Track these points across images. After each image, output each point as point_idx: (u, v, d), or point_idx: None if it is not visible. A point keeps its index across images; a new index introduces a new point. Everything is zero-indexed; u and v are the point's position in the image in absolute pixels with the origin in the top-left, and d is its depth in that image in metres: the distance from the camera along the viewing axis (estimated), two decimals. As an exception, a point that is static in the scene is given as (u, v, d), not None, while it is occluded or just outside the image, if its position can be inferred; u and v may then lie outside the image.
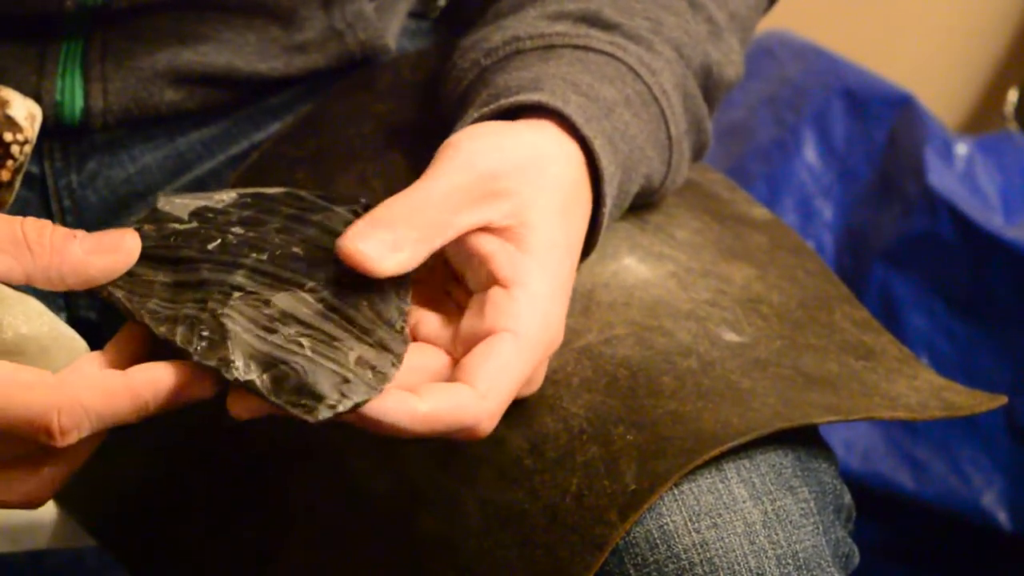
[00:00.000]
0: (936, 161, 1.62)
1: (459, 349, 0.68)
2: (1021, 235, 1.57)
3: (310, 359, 0.65)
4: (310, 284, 0.67)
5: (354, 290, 0.68)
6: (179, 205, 0.70)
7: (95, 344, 0.68)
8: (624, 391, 0.72)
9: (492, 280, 0.68)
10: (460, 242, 0.69)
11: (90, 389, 0.63)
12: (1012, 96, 1.94)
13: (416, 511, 0.73)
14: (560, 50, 0.78)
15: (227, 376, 0.63)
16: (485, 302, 0.68)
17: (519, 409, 0.72)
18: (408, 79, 0.90)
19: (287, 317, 0.66)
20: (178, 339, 0.64)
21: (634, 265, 0.78)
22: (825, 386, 0.75)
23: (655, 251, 0.80)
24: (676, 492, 0.70)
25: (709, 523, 0.70)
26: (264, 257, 0.68)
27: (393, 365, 0.66)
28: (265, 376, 0.63)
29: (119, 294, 0.66)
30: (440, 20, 0.97)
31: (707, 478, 0.71)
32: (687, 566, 0.69)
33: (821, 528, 0.72)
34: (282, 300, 0.66)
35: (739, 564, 0.70)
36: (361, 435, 0.75)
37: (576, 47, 0.78)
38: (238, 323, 0.65)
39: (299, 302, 0.67)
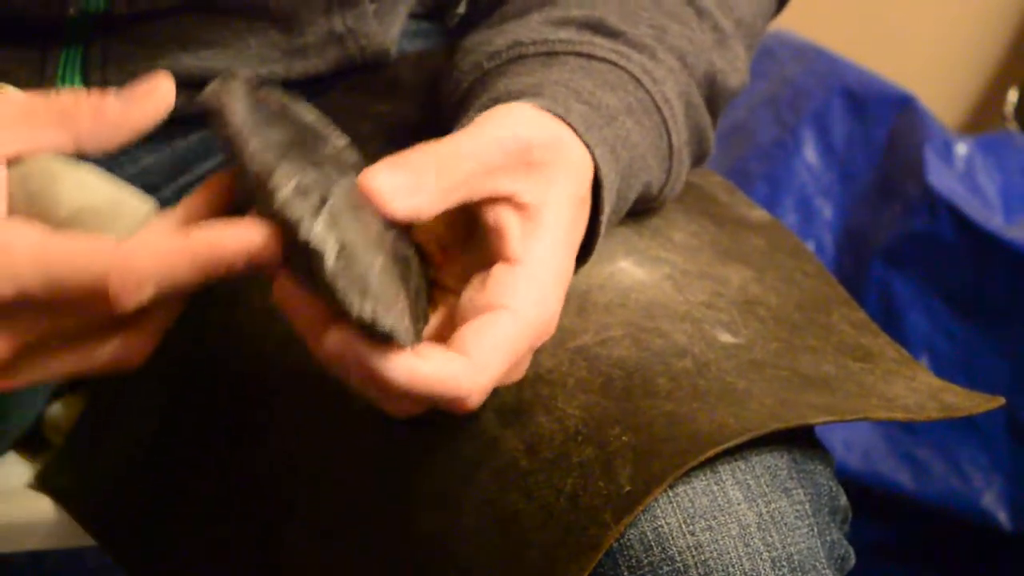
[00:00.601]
0: (936, 161, 1.62)
1: (455, 321, 0.68)
2: (1021, 235, 1.57)
3: (379, 271, 0.64)
4: (385, 224, 0.66)
5: (402, 248, 0.67)
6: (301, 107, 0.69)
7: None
8: (619, 392, 0.72)
9: (498, 256, 0.68)
10: (479, 210, 0.69)
11: (146, 252, 0.63)
12: (1012, 96, 1.94)
13: (412, 511, 0.73)
14: (563, 56, 0.78)
15: (300, 235, 0.62)
16: (488, 277, 0.68)
17: (515, 410, 0.72)
18: (407, 80, 0.90)
19: (374, 227, 0.65)
20: (275, 176, 0.63)
21: (630, 268, 0.78)
22: (821, 387, 0.75)
23: (651, 254, 0.80)
24: (671, 494, 0.70)
25: (704, 525, 0.70)
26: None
27: (419, 335, 0.66)
28: (336, 254, 0.62)
29: (234, 119, 0.64)
30: (456, 29, 0.97)
31: (702, 480, 0.71)
32: (681, 568, 0.69)
33: (816, 530, 0.72)
34: (376, 216, 0.66)
35: (734, 566, 0.70)
36: (360, 435, 0.75)
37: (579, 54, 0.78)
38: (339, 199, 0.64)
39: (385, 229, 0.66)
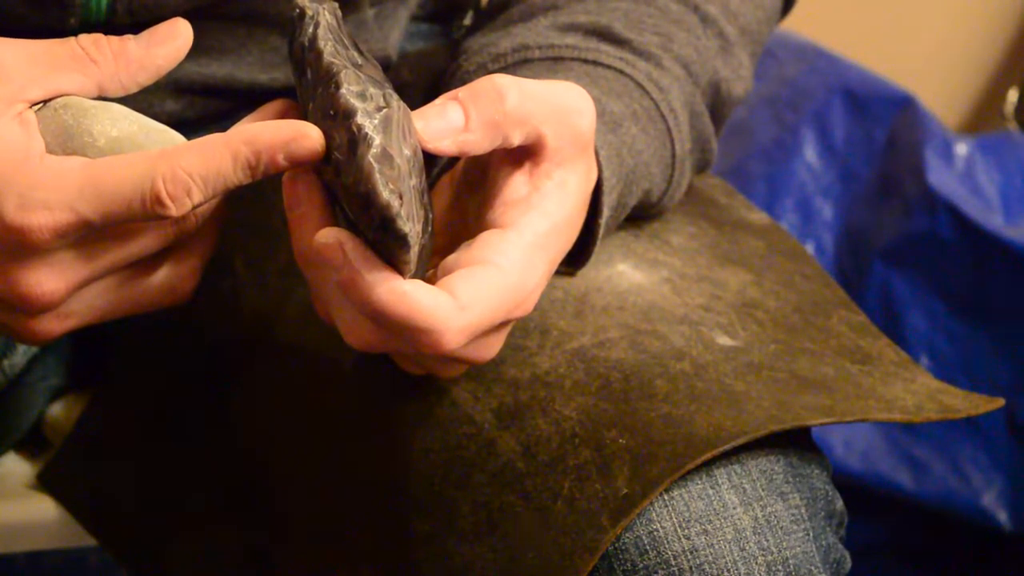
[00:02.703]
0: (936, 161, 1.62)
1: (439, 276, 0.67)
2: (1021, 235, 1.57)
3: (411, 189, 0.65)
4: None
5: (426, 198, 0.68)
6: None
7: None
8: (617, 394, 0.72)
9: (493, 222, 0.68)
10: (494, 175, 0.69)
11: (188, 151, 0.64)
12: (1012, 96, 1.94)
13: (408, 513, 0.73)
14: (569, 63, 0.78)
15: (353, 122, 0.63)
16: (475, 240, 0.67)
17: (512, 412, 0.72)
18: (407, 80, 0.90)
19: (416, 160, 0.66)
20: (344, 72, 0.64)
21: (628, 271, 0.78)
22: (820, 389, 0.75)
23: (649, 257, 0.80)
24: (667, 497, 0.70)
25: (699, 529, 0.70)
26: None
27: (422, 272, 0.67)
28: (381, 151, 0.63)
29: (322, 17, 0.67)
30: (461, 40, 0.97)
31: (698, 484, 0.71)
32: (676, 572, 0.69)
33: (812, 534, 0.72)
34: (415, 148, 0.67)
35: (729, 571, 0.70)
36: (357, 438, 0.75)
37: (585, 60, 0.78)
38: (393, 119, 0.65)
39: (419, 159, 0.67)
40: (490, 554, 0.70)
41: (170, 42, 0.69)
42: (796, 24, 1.74)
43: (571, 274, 0.77)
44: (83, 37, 0.68)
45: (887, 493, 1.59)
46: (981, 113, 2.00)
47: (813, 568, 0.71)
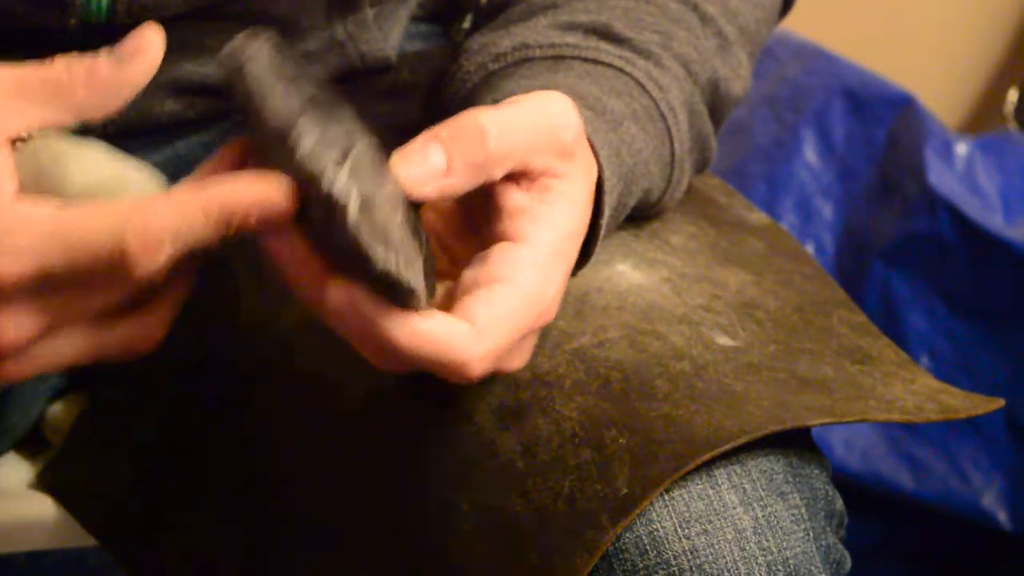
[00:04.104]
0: (936, 161, 1.62)
1: (456, 296, 0.67)
2: (1021, 235, 1.57)
3: (399, 226, 0.64)
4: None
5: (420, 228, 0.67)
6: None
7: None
8: (617, 394, 0.72)
9: (503, 236, 0.68)
10: (493, 188, 0.69)
11: (159, 206, 0.63)
12: (1012, 96, 1.94)
13: (408, 514, 0.73)
14: (569, 61, 0.78)
15: (323, 185, 0.61)
16: (490, 254, 0.67)
17: (512, 411, 0.72)
18: (408, 80, 0.90)
19: (396, 189, 0.65)
20: (297, 126, 0.62)
21: (628, 271, 0.78)
22: (819, 389, 0.75)
23: (649, 257, 0.80)
24: (667, 497, 0.70)
25: (699, 529, 0.70)
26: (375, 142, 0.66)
27: (431, 294, 0.66)
28: (359, 205, 0.62)
29: (259, 72, 0.64)
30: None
31: (698, 484, 0.71)
32: (676, 572, 0.69)
33: (812, 535, 0.72)
34: (390, 181, 0.65)
35: (729, 571, 0.70)
36: (357, 439, 0.75)
37: (585, 59, 0.78)
38: (360, 153, 0.63)
39: (398, 191, 0.65)
40: (490, 554, 0.70)
41: (140, 56, 0.66)
42: (796, 24, 1.74)
43: (571, 274, 0.77)
44: (55, 63, 0.66)
45: (887, 493, 1.59)
46: (981, 113, 2.00)
47: (813, 568, 0.71)
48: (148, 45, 0.66)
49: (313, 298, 0.65)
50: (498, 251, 0.67)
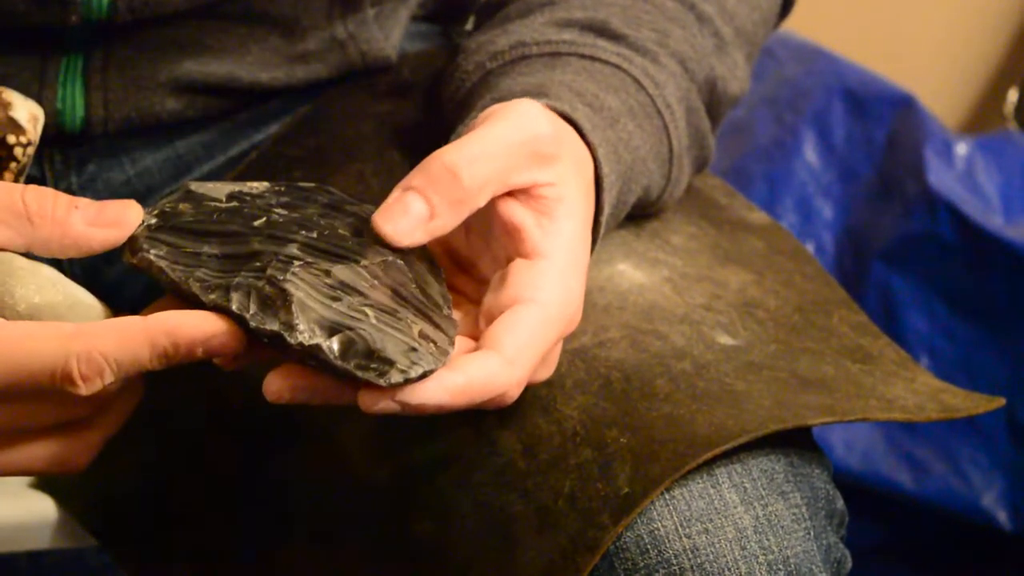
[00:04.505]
0: (936, 161, 1.62)
1: (482, 323, 0.68)
2: (1021, 235, 1.57)
3: (376, 327, 0.64)
4: (363, 261, 0.67)
5: (402, 272, 0.67)
6: (213, 188, 0.69)
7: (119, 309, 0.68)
8: (618, 393, 0.72)
9: (516, 253, 0.68)
10: (489, 211, 0.69)
11: (106, 333, 0.63)
12: (1012, 96, 1.94)
13: (410, 513, 0.73)
14: (566, 58, 0.78)
15: (290, 340, 0.62)
16: (507, 274, 0.68)
17: (513, 411, 0.72)
18: (408, 79, 0.90)
19: (348, 288, 0.65)
20: (233, 305, 0.63)
21: (629, 271, 0.78)
22: (820, 388, 0.75)
23: (650, 257, 0.80)
24: (668, 496, 0.70)
25: (700, 528, 0.70)
26: (314, 235, 0.67)
27: (450, 343, 0.66)
28: (332, 340, 0.63)
29: (162, 264, 0.65)
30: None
31: (699, 483, 0.71)
32: (677, 571, 0.69)
33: (812, 534, 0.72)
34: (341, 272, 0.66)
35: (729, 570, 0.70)
36: (356, 439, 0.75)
37: (582, 56, 0.78)
38: (301, 289, 0.64)
39: (357, 275, 0.66)
40: (490, 553, 0.70)
41: (114, 229, 0.66)
42: (796, 24, 1.74)
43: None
44: (31, 191, 0.66)
45: (887, 493, 1.59)
46: (981, 113, 2.00)
47: (814, 567, 0.71)
48: (126, 221, 0.66)
49: (347, 403, 0.65)
50: (515, 270, 0.68)
